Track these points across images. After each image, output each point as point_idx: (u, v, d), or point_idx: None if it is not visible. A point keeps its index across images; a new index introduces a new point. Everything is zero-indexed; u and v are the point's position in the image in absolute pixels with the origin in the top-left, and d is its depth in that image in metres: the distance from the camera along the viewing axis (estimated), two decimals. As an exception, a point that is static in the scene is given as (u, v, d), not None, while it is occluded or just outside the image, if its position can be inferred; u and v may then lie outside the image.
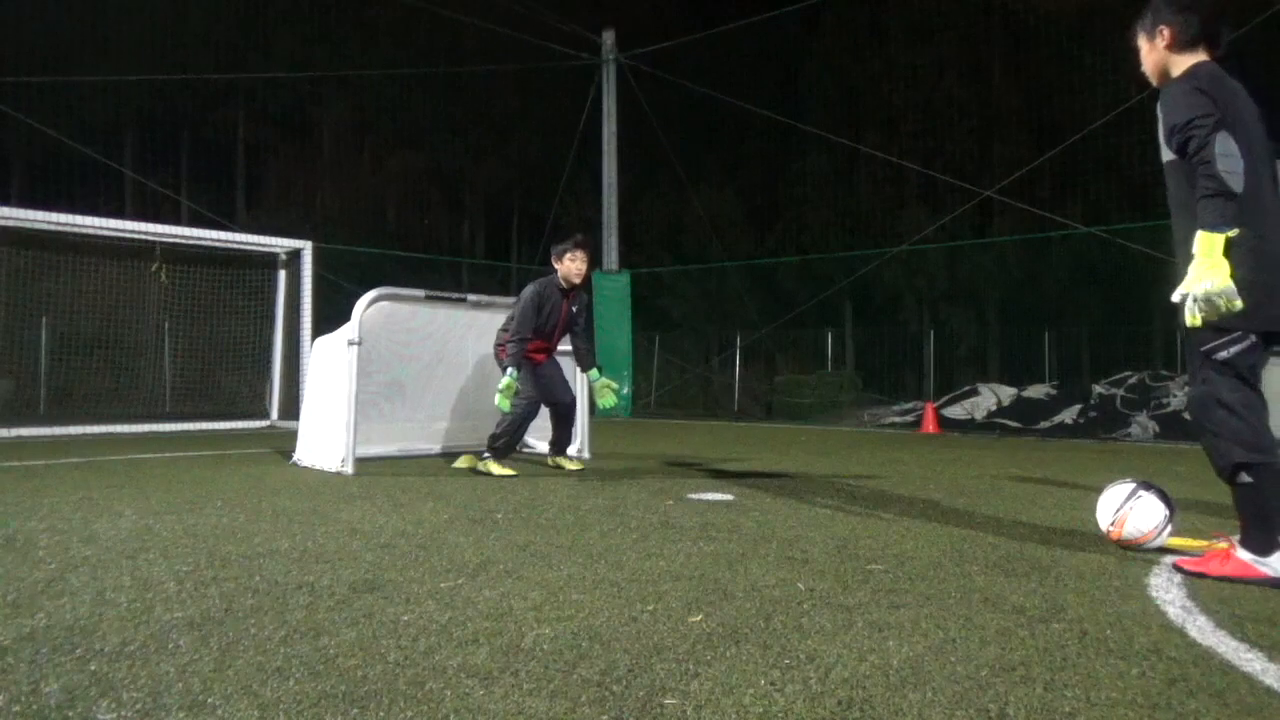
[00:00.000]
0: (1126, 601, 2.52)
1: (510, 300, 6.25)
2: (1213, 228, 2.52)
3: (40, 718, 1.65)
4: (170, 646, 2.05)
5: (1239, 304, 2.51)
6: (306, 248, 11.00)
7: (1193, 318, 2.57)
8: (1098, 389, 11.37)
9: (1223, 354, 2.63)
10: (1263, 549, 2.64)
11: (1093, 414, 10.96)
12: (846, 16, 23.14)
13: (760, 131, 23.46)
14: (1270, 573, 2.62)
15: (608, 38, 15.65)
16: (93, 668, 1.91)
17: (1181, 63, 2.81)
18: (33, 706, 1.69)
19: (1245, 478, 2.60)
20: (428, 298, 6.23)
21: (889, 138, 21.79)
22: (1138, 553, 3.24)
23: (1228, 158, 2.50)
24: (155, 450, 7.56)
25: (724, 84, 17.57)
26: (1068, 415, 11.13)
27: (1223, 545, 2.85)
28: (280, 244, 11.14)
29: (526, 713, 1.68)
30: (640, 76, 15.53)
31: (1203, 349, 2.67)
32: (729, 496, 4.69)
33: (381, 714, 1.67)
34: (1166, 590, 2.65)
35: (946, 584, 2.72)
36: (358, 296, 5.83)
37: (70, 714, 1.66)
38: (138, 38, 21.90)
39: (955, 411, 12.16)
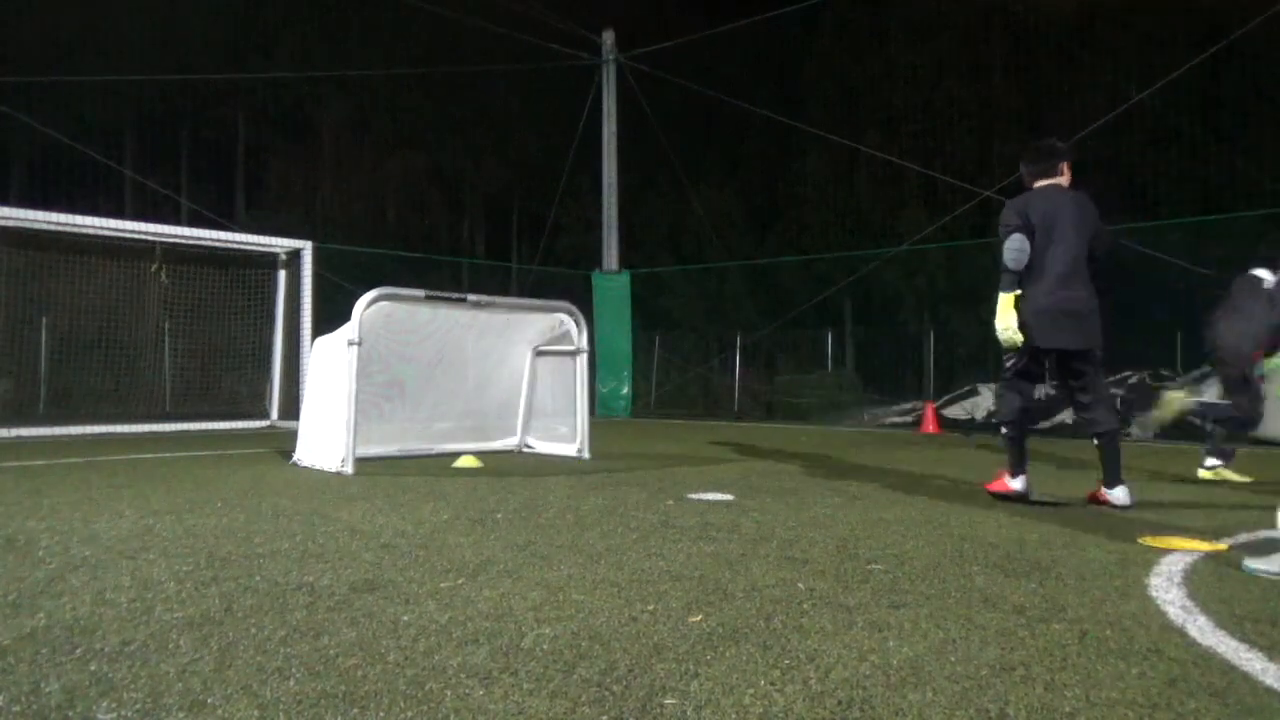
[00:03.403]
0: (1126, 601, 2.52)
1: (511, 300, 6.22)
2: (1003, 289, 4.38)
3: (40, 718, 1.65)
4: (170, 646, 2.05)
5: (1018, 339, 4.31)
6: (306, 248, 10.99)
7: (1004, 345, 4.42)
8: (1098, 389, 11.34)
9: (1010, 365, 4.54)
10: (1014, 473, 4.46)
11: (1093, 414, 10.95)
12: (846, 16, 23.11)
13: (760, 131, 23.43)
14: (1017, 486, 4.44)
15: (608, 38, 15.63)
16: (93, 668, 1.91)
17: (1033, 186, 4.55)
18: (33, 706, 1.69)
19: (1006, 431, 4.50)
20: (428, 298, 6.22)
21: (889, 138, 21.72)
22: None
23: (1013, 251, 4.30)
24: (155, 450, 7.56)
25: (724, 84, 17.54)
26: (1068, 415, 11.10)
27: (1223, 546, 3.26)
28: (280, 244, 11.12)
29: (526, 713, 1.68)
30: (640, 76, 15.51)
31: (1006, 360, 4.56)
32: (729, 496, 4.69)
33: (381, 714, 1.67)
34: (1166, 590, 2.65)
35: (946, 584, 2.72)
36: (358, 296, 5.82)
37: (70, 714, 1.66)
38: (138, 38, 21.87)
39: (955, 411, 12.16)
